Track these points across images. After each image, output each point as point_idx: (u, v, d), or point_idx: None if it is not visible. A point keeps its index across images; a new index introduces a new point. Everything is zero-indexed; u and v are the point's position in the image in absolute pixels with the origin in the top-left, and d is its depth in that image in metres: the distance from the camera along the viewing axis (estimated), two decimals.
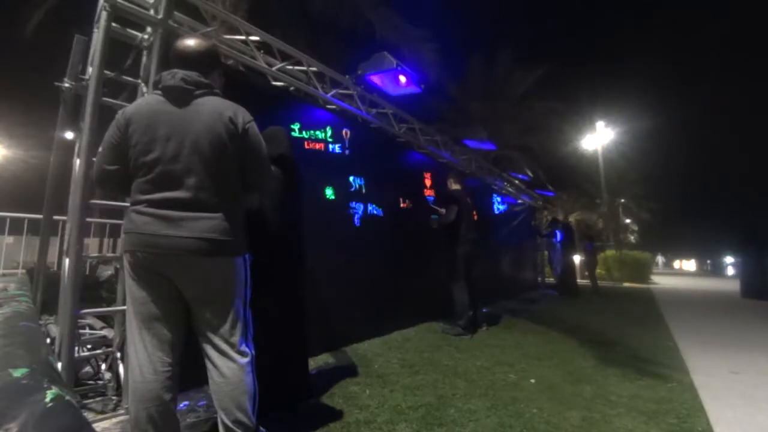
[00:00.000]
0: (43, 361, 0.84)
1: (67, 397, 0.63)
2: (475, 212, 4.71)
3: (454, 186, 4.75)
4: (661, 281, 16.58)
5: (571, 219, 16.33)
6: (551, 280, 10.56)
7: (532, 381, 2.77)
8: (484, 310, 5.24)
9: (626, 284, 14.11)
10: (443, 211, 4.47)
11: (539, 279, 10.56)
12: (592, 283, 9.86)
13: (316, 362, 3.10)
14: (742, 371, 3.15)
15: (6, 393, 0.63)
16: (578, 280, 9.44)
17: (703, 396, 2.54)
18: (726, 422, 2.14)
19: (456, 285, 4.40)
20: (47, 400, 0.60)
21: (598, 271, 11.16)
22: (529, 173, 15.42)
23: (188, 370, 2.38)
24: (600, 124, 15.02)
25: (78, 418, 0.62)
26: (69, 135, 2.89)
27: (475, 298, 4.48)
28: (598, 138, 15.04)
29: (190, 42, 1.55)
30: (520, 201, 9.79)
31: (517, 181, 9.59)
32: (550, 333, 4.53)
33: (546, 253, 11.26)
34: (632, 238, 31.18)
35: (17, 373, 0.70)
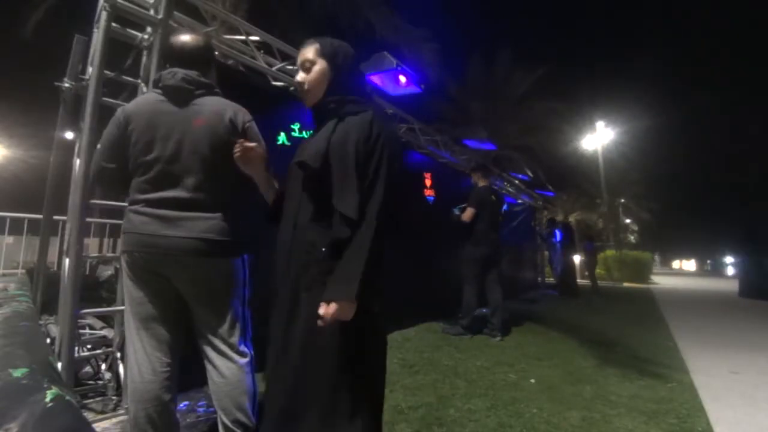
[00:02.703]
0: (43, 361, 0.85)
1: (67, 397, 0.63)
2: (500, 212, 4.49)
3: (481, 182, 4.51)
4: (661, 281, 16.60)
5: (571, 219, 16.33)
6: (551, 280, 10.56)
7: (532, 381, 2.77)
8: (483, 310, 5.24)
9: (626, 284, 14.11)
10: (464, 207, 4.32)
11: (539, 279, 10.56)
12: (592, 283, 9.87)
13: None
14: (742, 371, 3.15)
15: (6, 393, 0.63)
16: (578, 280, 9.44)
17: (703, 396, 2.54)
18: (726, 422, 2.14)
19: (467, 285, 4.33)
20: (47, 400, 0.60)
21: (597, 271, 11.16)
22: (529, 173, 15.43)
23: (188, 371, 2.38)
24: (600, 124, 15.02)
25: (78, 418, 0.62)
26: (69, 135, 2.90)
27: (494, 301, 4.30)
28: (598, 138, 15.04)
29: (187, 39, 1.53)
30: (520, 201, 9.79)
31: (517, 181, 9.60)
32: (550, 333, 4.53)
33: (546, 253, 11.26)
34: (632, 238, 31.18)
35: (17, 373, 0.70)
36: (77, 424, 0.60)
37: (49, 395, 0.62)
